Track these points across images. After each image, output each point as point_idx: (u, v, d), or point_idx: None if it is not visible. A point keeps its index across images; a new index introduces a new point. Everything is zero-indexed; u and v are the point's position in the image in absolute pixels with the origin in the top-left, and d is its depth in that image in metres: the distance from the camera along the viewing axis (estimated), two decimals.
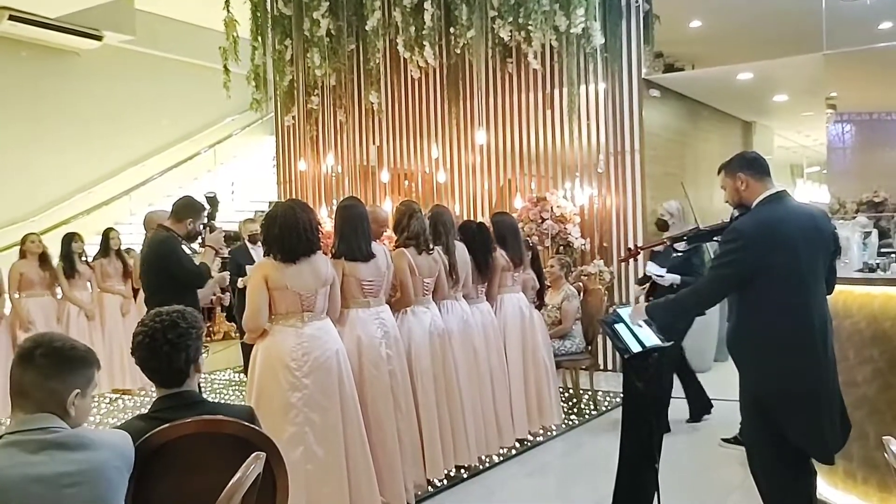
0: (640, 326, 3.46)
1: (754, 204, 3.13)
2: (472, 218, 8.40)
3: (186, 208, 4.65)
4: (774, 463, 3.09)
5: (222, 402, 2.71)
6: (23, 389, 1.91)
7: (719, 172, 3.29)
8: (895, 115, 10.03)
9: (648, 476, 3.54)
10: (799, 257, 3.00)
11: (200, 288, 4.60)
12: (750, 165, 3.17)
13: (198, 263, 4.61)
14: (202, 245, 4.69)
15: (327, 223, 8.45)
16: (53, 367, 1.92)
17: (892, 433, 2.34)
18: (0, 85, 10.63)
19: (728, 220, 3.46)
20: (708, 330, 7.12)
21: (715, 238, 3.46)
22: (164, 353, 2.25)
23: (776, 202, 3.10)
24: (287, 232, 3.78)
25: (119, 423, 2.30)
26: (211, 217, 4.75)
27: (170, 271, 4.46)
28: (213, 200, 4.82)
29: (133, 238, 8.50)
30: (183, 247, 4.59)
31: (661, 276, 5.37)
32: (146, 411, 2.31)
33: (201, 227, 4.67)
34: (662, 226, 5.73)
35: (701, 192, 9.45)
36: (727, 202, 3.31)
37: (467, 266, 5.14)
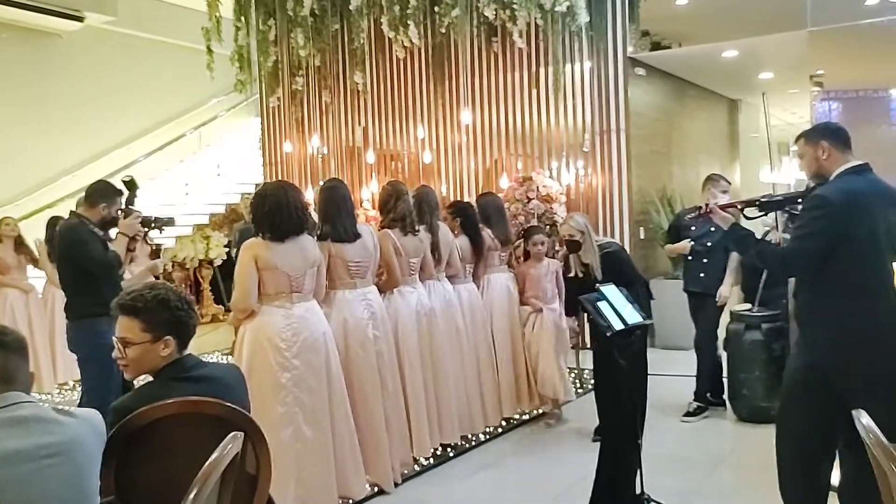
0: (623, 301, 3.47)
1: (834, 174, 3.04)
2: (458, 198, 8.41)
3: (98, 193, 4.41)
4: (806, 441, 3.04)
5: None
6: (9, 375, 1.94)
7: (797, 140, 3.19)
8: (881, 92, 10.07)
9: (631, 452, 3.58)
10: (878, 230, 2.95)
11: (112, 278, 4.28)
12: (833, 134, 3.09)
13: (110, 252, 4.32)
14: (117, 233, 4.38)
15: (314, 205, 8.43)
16: (22, 349, 1.99)
17: None
18: None
19: (805, 189, 3.30)
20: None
21: (787, 207, 3.37)
22: (186, 312, 2.39)
23: (857, 174, 3.03)
24: (277, 210, 3.79)
25: (138, 388, 2.39)
26: (129, 202, 4.47)
27: (78, 261, 4.24)
28: (130, 184, 4.51)
29: None
30: (97, 233, 4.32)
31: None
32: (162, 375, 2.36)
33: (117, 212, 4.40)
34: (574, 247, 4.98)
35: (688, 170, 9.49)
36: (803, 170, 3.22)
37: (450, 246, 5.15)
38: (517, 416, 5.57)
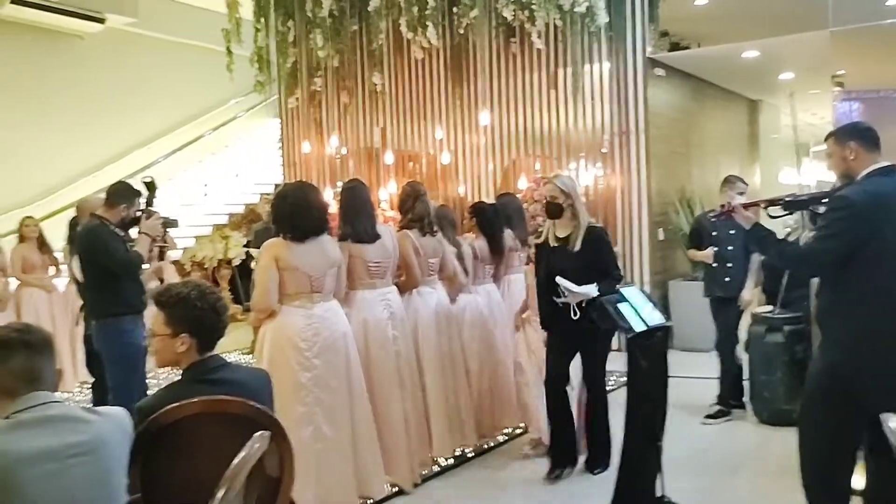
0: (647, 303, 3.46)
1: (861, 175, 3.02)
2: (476, 199, 8.41)
3: (119, 194, 4.46)
4: (829, 444, 3.01)
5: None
6: (33, 375, 1.96)
7: (827, 139, 3.16)
8: None
9: (652, 454, 3.56)
10: None
11: (135, 277, 4.36)
12: (862, 135, 3.06)
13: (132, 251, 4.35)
14: (139, 232, 4.43)
15: (332, 205, 8.46)
16: (48, 348, 2.01)
17: None
18: (3, 69, 10.61)
19: (830, 189, 3.29)
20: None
21: (811, 207, 3.32)
22: (225, 312, 2.45)
23: (885, 175, 3.00)
24: (297, 210, 3.80)
25: (158, 391, 2.38)
26: (149, 203, 4.52)
27: (99, 262, 4.28)
28: (150, 185, 4.57)
29: None
30: (118, 233, 4.36)
31: (571, 293, 4.16)
32: (185, 377, 2.39)
33: (137, 213, 4.45)
34: (555, 211, 4.30)
35: (707, 171, 9.43)
36: (830, 169, 3.19)
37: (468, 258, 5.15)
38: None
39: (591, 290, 4.09)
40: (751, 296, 5.43)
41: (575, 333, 4.30)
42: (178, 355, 2.38)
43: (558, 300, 4.25)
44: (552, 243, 4.36)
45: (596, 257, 4.21)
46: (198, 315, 2.36)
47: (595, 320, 3.87)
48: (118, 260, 4.26)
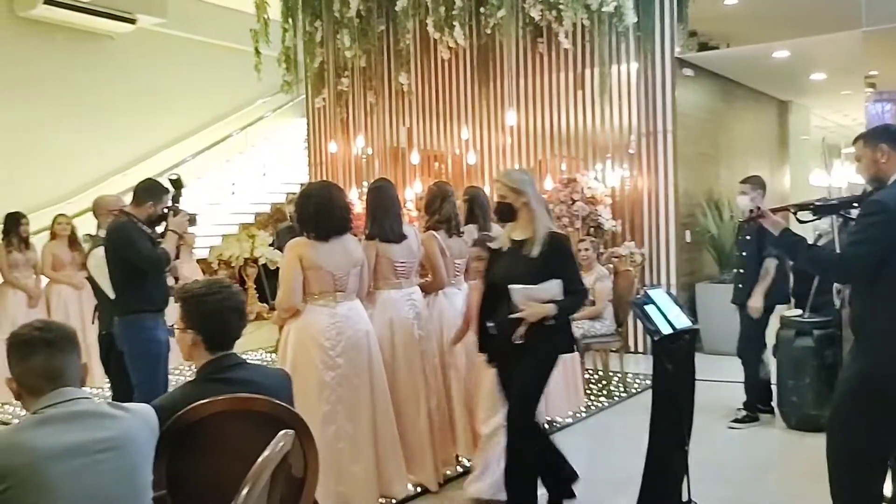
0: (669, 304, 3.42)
1: (893, 179, 2.95)
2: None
3: (146, 191, 4.45)
4: (858, 451, 2.96)
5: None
6: (55, 373, 1.97)
7: (856, 142, 3.11)
8: None
9: (678, 458, 3.53)
10: None
11: (161, 274, 4.37)
12: (893, 138, 3.00)
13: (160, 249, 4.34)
14: (166, 229, 4.42)
15: (357, 205, 8.48)
16: (69, 344, 2.02)
17: None
18: (36, 69, 10.77)
19: (861, 193, 3.23)
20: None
21: (842, 212, 3.28)
22: (244, 314, 2.45)
23: None
24: (321, 209, 3.81)
25: (173, 390, 2.37)
26: (175, 200, 4.51)
27: (126, 258, 4.27)
28: (177, 182, 4.58)
29: None
30: (145, 230, 4.36)
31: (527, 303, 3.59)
32: (198, 376, 2.40)
33: (164, 210, 4.44)
34: (507, 213, 3.74)
35: (735, 173, 9.32)
36: (860, 174, 3.13)
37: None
38: (560, 420, 5.52)
39: (550, 308, 3.50)
40: (758, 303, 5.32)
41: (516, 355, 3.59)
42: (191, 349, 2.41)
43: (490, 325, 3.67)
44: (505, 247, 3.75)
45: (557, 268, 3.55)
46: (204, 313, 2.37)
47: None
48: (145, 257, 4.26)
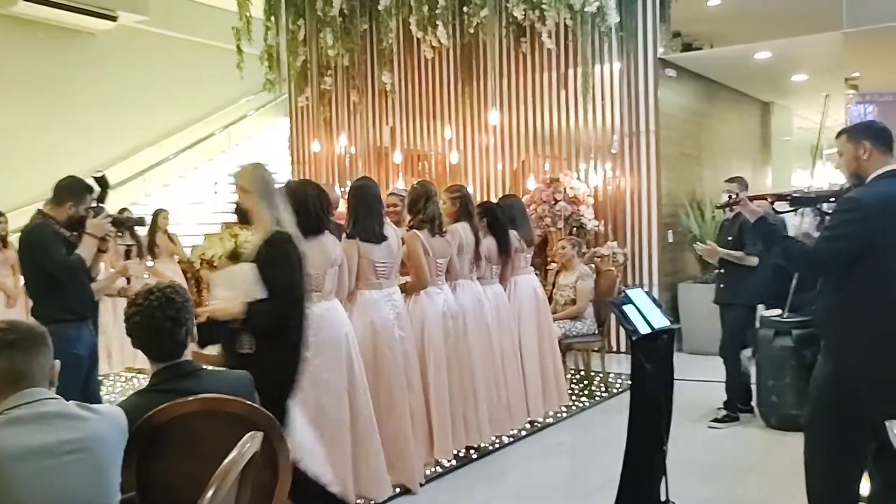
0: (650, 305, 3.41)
1: (871, 177, 2.95)
2: (485, 199, 8.38)
3: (66, 190, 4.01)
4: (833, 451, 2.97)
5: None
6: (18, 374, 1.93)
7: (838, 136, 3.09)
8: None
9: (656, 458, 3.52)
10: None
11: (78, 282, 3.92)
12: (877, 135, 2.99)
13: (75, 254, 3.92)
14: (81, 233, 3.97)
15: (341, 204, 8.44)
16: (34, 345, 1.97)
17: None
18: (16, 66, 10.67)
19: (839, 189, 3.22)
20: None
21: (818, 205, 3.27)
22: (167, 329, 2.28)
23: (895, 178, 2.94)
24: (297, 209, 3.77)
25: (120, 401, 2.32)
26: (101, 200, 4.11)
27: (38, 264, 3.90)
28: (101, 181, 4.16)
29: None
30: (63, 233, 3.97)
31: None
32: (148, 385, 2.34)
33: (86, 211, 4.00)
34: (242, 216, 3.45)
35: (718, 173, 9.36)
36: (838, 168, 3.13)
37: (472, 248, 5.11)
38: (541, 420, 5.52)
39: (238, 308, 3.10)
40: (714, 249, 5.43)
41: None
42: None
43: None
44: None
45: (264, 272, 3.14)
46: (129, 325, 2.32)
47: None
48: (57, 263, 3.86)
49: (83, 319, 3.97)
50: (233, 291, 3.16)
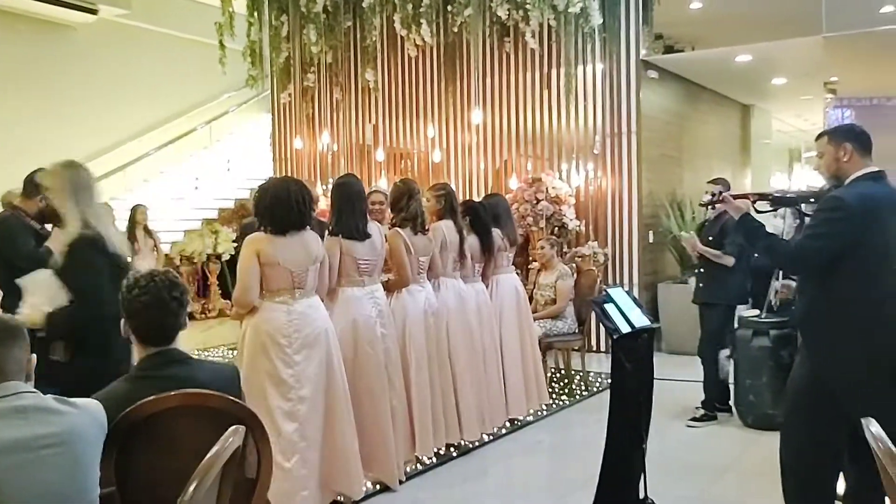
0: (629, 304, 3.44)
1: (851, 178, 2.99)
2: (468, 198, 8.39)
3: (35, 183, 3.91)
4: (810, 449, 3.01)
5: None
6: None
7: (819, 138, 3.14)
8: (895, 100, 10.01)
9: (635, 456, 3.55)
10: (890, 239, 2.92)
11: None
12: (857, 138, 3.03)
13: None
14: (53, 226, 3.83)
15: (322, 201, 8.43)
16: (9, 338, 1.95)
17: None
18: None
19: (818, 190, 3.28)
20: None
21: (798, 206, 3.31)
22: (174, 311, 2.30)
23: (876, 180, 2.98)
24: (277, 203, 3.76)
25: (109, 386, 2.30)
26: None
27: (5, 256, 3.81)
28: None
29: (125, 215, 8.45)
30: (33, 226, 3.90)
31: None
32: (133, 371, 2.33)
33: None
34: (53, 216, 3.49)
35: (698, 174, 9.44)
36: (817, 170, 3.17)
37: (456, 246, 5.13)
38: (521, 419, 5.54)
39: (37, 316, 2.98)
40: (694, 242, 5.50)
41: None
42: (131, 342, 2.36)
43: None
44: None
45: (68, 280, 3.01)
46: (130, 306, 2.31)
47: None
48: (24, 255, 3.76)
49: None
50: (40, 298, 3.06)
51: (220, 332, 8.72)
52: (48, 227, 3.89)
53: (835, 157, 3.04)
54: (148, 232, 8.12)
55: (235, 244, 10.32)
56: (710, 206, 4.39)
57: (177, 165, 12.71)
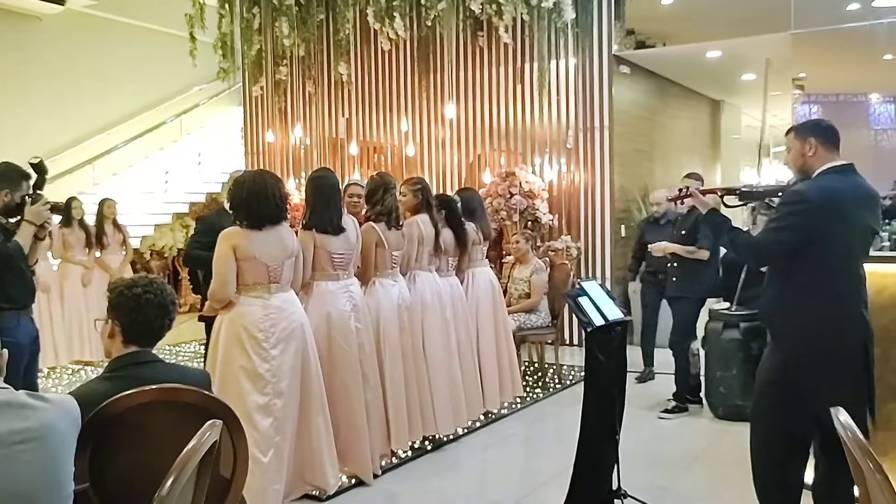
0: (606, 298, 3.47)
1: (817, 172, 3.03)
2: (441, 192, 8.40)
3: (1, 177, 3.89)
4: (778, 440, 3.06)
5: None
6: None
7: (787, 133, 3.19)
8: (861, 96, 10.18)
9: (609, 448, 3.59)
10: (854, 232, 2.96)
11: (16, 270, 3.78)
12: (823, 133, 3.07)
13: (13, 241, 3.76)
14: (20, 220, 3.83)
15: (295, 195, 8.38)
16: None
17: None
18: None
19: (784, 184, 3.32)
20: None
21: (765, 199, 3.36)
22: (170, 310, 2.39)
23: (841, 174, 3.02)
24: (254, 197, 3.74)
25: (78, 386, 2.29)
26: (38, 186, 3.94)
27: None
28: (38, 167, 3.98)
29: (93, 209, 8.33)
30: (0, 221, 3.83)
31: None
32: (106, 369, 2.34)
33: (22, 198, 3.86)
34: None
35: (669, 169, 9.54)
36: (786, 164, 3.22)
37: (431, 240, 5.13)
38: (495, 411, 5.57)
39: None
40: (668, 247, 5.61)
41: None
42: (109, 343, 2.38)
43: None
44: None
45: None
46: (125, 302, 2.34)
47: None
48: None
49: (22, 308, 3.87)
50: None
51: (190, 327, 8.63)
52: (12, 220, 3.84)
53: (801, 151, 3.09)
54: (117, 227, 8.01)
55: (192, 236, 10.20)
56: (677, 202, 4.46)
57: (146, 159, 12.55)
